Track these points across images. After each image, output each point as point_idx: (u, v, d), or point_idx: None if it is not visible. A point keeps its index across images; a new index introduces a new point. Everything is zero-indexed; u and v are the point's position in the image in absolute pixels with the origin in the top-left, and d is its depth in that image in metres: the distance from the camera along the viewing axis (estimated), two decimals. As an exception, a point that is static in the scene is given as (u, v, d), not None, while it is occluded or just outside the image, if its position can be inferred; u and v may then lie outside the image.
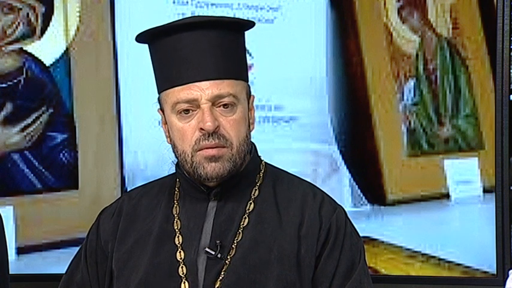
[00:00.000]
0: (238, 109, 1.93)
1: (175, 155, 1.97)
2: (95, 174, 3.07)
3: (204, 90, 1.89)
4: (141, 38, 1.98)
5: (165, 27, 1.94)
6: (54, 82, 3.05)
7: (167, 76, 1.93)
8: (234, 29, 1.96)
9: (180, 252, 1.94)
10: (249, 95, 1.99)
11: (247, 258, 1.90)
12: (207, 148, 1.90)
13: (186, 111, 1.91)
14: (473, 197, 3.04)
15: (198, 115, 1.90)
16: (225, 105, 1.91)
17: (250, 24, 2.00)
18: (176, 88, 1.91)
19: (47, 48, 3.05)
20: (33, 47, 3.05)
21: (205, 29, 1.91)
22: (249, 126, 1.98)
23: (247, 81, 1.99)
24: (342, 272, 1.93)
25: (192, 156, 1.92)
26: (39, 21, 3.05)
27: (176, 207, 2.01)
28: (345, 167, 3.07)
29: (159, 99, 1.99)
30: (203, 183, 1.96)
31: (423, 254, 3.04)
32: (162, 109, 1.99)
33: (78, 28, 3.05)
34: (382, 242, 3.06)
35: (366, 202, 3.06)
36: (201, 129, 1.89)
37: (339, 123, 3.06)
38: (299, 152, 3.06)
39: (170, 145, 2.00)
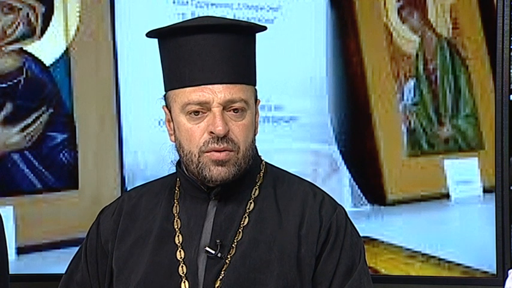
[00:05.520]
0: (248, 114, 1.93)
1: (180, 153, 1.96)
2: (95, 174, 3.07)
3: (216, 93, 1.89)
4: (153, 34, 1.97)
5: (181, 26, 1.94)
6: (54, 82, 3.05)
7: (178, 75, 1.92)
8: (248, 33, 1.96)
9: (180, 251, 1.94)
10: (256, 99, 1.99)
11: (248, 257, 1.90)
12: (214, 151, 1.89)
13: (196, 112, 1.90)
14: (473, 197, 3.04)
15: (208, 118, 1.90)
16: (235, 110, 1.91)
17: (263, 29, 2.00)
18: (187, 89, 1.90)
19: (47, 48, 3.05)
20: (33, 47, 3.05)
21: (221, 32, 1.90)
22: (255, 130, 1.98)
23: (255, 85, 1.99)
24: (342, 272, 1.93)
25: (199, 157, 1.91)
26: (39, 21, 3.05)
27: (176, 206, 2.01)
28: (345, 167, 3.07)
29: (165, 97, 1.98)
30: (204, 183, 1.96)
31: (423, 254, 3.04)
32: (168, 107, 1.98)
33: (78, 28, 3.05)
34: (382, 242, 3.06)
35: (366, 202, 3.07)
36: (211, 132, 1.89)
37: (339, 123, 3.06)
38: (299, 152, 3.06)
39: (172, 144, 2.00)
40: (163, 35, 1.96)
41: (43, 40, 3.05)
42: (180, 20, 2.14)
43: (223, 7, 3.04)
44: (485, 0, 2.99)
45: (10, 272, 2.34)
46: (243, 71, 1.92)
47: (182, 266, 1.93)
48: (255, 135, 1.98)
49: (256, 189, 1.99)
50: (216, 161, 1.90)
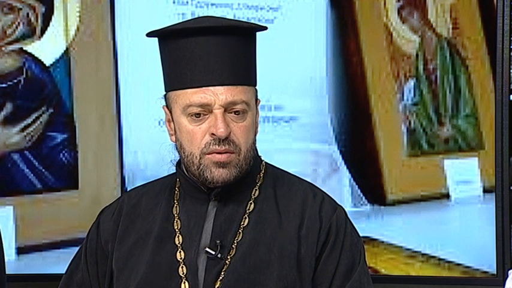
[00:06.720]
0: (249, 116, 1.93)
1: (181, 154, 1.96)
2: (95, 174, 3.06)
3: (217, 95, 1.89)
4: (154, 35, 1.97)
5: (182, 28, 1.93)
6: (54, 82, 3.05)
7: (180, 76, 1.92)
8: (250, 35, 1.96)
9: (180, 252, 1.94)
10: (256, 99, 1.99)
11: (248, 258, 1.91)
12: (215, 153, 1.90)
13: (198, 114, 1.90)
14: (473, 197, 3.04)
15: (210, 119, 1.90)
16: (236, 112, 1.91)
17: (263, 29, 2.00)
18: (189, 90, 1.90)
19: (47, 48, 3.05)
20: (33, 47, 3.05)
21: (222, 33, 1.90)
22: (255, 130, 1.98)
23: (256, 85, 1.99)
24: (342, 272, 1.93)
25: (200, 159, 1.91)
26: (39, 21, 3.04)
27: (176, 207, 2.01)
28: (345, 167, 3.07)
29: (165, 97, 1.98)
30: (204, 184, 1.95)
31: (423, 254, 3.04)
32: (168, 107, 1.97)
33: (78, 28, 3.05)
34: (382, 242, 3.06)
35: (366, 202, 3.06)
36: (213, 134, 1.89)
37: (339, 123, 3.06)
38: (299, 152, 3.06)
39: (172, 144, 2.00)
40: (163, 36, 1.96)
41: (43, 40, 3.05)
42: (180, 20, 2.14)
43: (223, 7, 3.04)
44: (485, 0, 2.99)
45: (10, 272, 2.33)
46: (244, 72, 1.92)
47: (182, 267, 1.93)
48: (255, 135, 1.98)
49: (256, 189, 2.00)
50: (217, 163, 1.90)
